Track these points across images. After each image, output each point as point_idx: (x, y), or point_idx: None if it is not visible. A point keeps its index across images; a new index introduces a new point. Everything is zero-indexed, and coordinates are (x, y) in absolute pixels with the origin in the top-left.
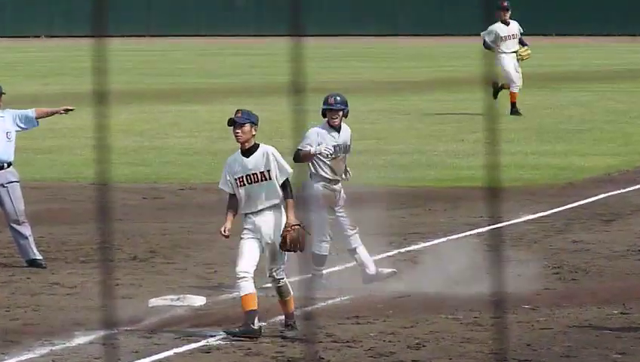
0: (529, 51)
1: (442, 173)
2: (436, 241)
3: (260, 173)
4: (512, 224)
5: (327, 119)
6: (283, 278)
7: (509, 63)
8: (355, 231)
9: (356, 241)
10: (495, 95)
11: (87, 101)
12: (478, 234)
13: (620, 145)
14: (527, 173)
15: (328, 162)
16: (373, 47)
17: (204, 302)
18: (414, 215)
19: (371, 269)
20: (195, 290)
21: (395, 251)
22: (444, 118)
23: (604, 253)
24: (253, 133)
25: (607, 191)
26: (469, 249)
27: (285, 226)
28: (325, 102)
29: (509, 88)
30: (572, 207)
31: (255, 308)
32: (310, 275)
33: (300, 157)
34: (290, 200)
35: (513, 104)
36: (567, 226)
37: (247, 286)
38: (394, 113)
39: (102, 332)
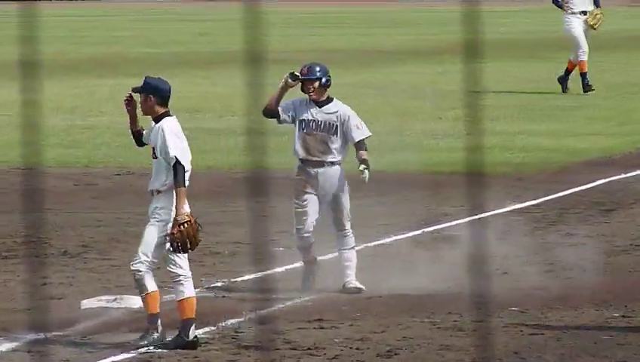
0: (600, 15)
1: (418, 155)
2: (411, 234)
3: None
4: (497, 214)
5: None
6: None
7: (578, 27)
8: (344, 231)
9: (342, 243)
10: (564, 81)
11: (11, 73)
12: (459, 225)
13: (620, 124)
14: (514, 156)
15: (299, 138)
16: (342, 13)
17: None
18: (385, 204)
19: (347, 278)
20: (134, 290)
21: (363, 245)
22: (421, 93)
23: (603, 247)
24: (150, 103)
25: (607, 177)
26: (448, 242)
27: (173, 222)
28: (301, 73)
29: (574, 65)
30: (566, 195)
31: (192, 316)
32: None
33: (265, 109)
34: (179, 189)
35: (584, 75)
36: (560, 217)
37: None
38: (364, 87)
39: (28, 338)
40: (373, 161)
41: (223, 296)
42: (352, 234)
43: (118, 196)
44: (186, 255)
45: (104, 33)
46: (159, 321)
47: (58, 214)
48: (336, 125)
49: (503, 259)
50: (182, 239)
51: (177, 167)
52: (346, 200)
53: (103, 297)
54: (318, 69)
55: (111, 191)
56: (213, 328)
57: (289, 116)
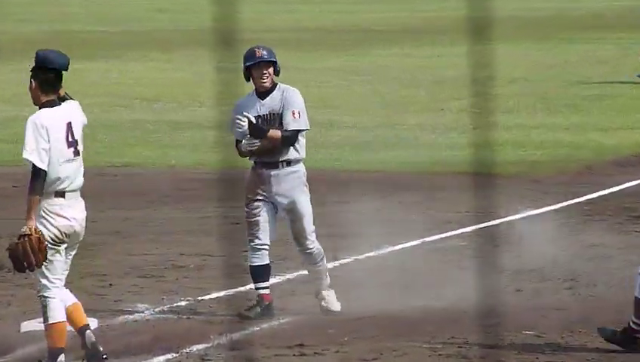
0: None
1: (415, 153)
2: (407, 244)
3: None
4: (508, 222)
5: (253, 82)
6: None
7: None
8: (305, 246)
9: (306, 259)
10: None
11: None
12: (463, 234)
13: None
14: (529, 154)
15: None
16: None
17: (96, 325)
18: (377, 209)
19: (326, 302)
20: (84, 310)
21: (351, 258)
22: (416, 80)
23: (632, 259)
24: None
25: (637, 178)
26: (450, 254)
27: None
28: (249, 57)
29: None
30: (589, 199)
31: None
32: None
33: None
34: (30, 196)
35: None
36: (583, 225)
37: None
38: (350, 73)
39: None
40: (362, 158)
41: (188, 317)
42: (316, 248)
43: None
44: (55, 269)
45: (49, 9)
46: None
47: None
48: (279, 113)
49: (515, 273)
50: (14, 256)
51: (33, 170)
52: (304, 207)
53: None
54: (268, 51)
55: None
56: (175, 355)
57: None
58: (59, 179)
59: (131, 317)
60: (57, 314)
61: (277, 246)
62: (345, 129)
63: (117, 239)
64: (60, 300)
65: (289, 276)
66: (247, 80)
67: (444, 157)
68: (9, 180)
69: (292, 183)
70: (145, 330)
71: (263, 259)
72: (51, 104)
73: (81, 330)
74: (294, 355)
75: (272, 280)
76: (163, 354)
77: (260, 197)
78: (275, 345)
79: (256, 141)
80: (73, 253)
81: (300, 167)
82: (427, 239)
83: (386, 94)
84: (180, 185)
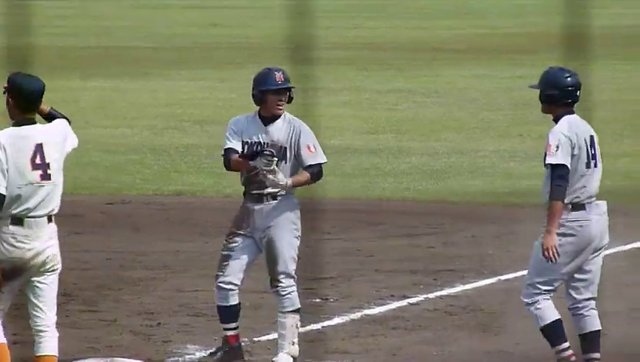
0: None
1: (492, 183)
2: (482, 283)
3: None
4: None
5: (261, 107)
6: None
7: None
8: (278, 286)
9: (278, 302)
10: None
11: None
12: None
13: None
14: (617, 183)
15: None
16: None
17: None
18: (450, 244)
19: (278, 351)
20: (130, 351)
21: (421, 297)
22: (494, 103)
23: None
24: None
25: None
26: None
27: None
28: (268, 81)
29: None
30: None
31: None
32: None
33: (228, 164)
34: None
35: None
36: None
37: None
38: (421, 95)
39: None
40: (433, 188)
41: (245, 360)
42: (289, 294)
43: (110, 231)
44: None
45: (91, 22)
46: None
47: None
48: (285, 148)
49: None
50: None
51: None
52: (285, 243)
53: (90, 360)
54: (286, 75)
55: (101, 225)
56: None
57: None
58: (16, 203)
59: (181, 359)
60: (50, 348)
61: (341, 283)
62: (415, 155)
63: (166, 274)
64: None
65: (352, 316)
66: (258, 104)
67: (523, 187)
68: None
69: (274, 217)
70: None
71: (227, 299)
72: (20, 123)
73: None
74: None
75: (336, 320)
76: None
77: (241, 232)
78: None
79: (274, 160)
80: (51, 278)
81: (288, 201)
82: (503, 277)
83: (461, 118)
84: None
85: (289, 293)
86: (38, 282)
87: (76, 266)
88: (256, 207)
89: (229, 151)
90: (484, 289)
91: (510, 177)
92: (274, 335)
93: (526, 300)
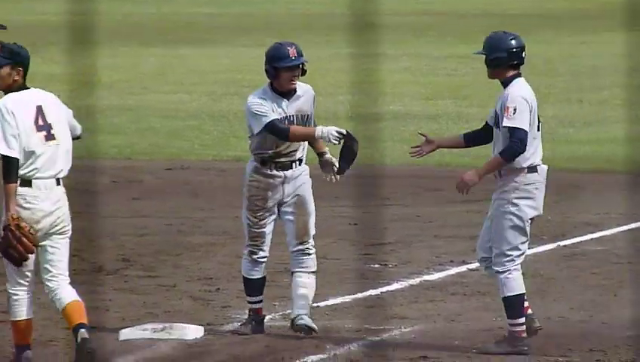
0: None
1: (550, 149)
2: (540, 249)
3: None
4: None
5: (273, 82)
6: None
7: None
8: (306, 245)
9: (300, 262)
10: None
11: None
12: (602, 238)
13: None
14: None
15: (266, 138)
16: None
17: (201, 334)
18: None
19: (298, 312)
20: (189, 317)
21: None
22: (554, 69)
23: None
24: (15, 77)
25: None
26: (589, 260)
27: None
28: (282, 58)
29: None
30: None
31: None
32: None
33: (288, 134)
34: (4, 186)
35: None
36: None
37: None
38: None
39: None
40: (490, 153)
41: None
42: (314, 253)
43: (169, 197)
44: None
45: None
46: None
47: (91, 219)
48: (309, 115)
49: None
50: (5, 252)
51: (4, 159)
52: (311, 204)
53: (149, 326)
54: (299, 50)
55: (159, 191)
56: None
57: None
58: (24, 164)
59: (240, 324)
60: (19, 312)
61: (400, 248)
62: (474, 121)
63: (225, 240)
64: (27, 298)
65: (411, 282)
66: (272, 78)
67: (582, 153)
68: (106, 175)
69: (302, 180)
70: (255, 340)
71: (261, 272)
72: (20, 88)
73: (75, 329)
74: None
75: (395, 286)
76: None
77: (271, 204)
78: (396, 357)
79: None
80: (61, 242)
81: (306, 165)
82: (563, 243)
83: None
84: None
85: (314, 253)
86: (49, 246)
87: (135, 232)
88: (287, 174)
89: (276, 122)
90: (543, 254)
91: (569, 143)
92: (333, 301)
93: (498, 269)
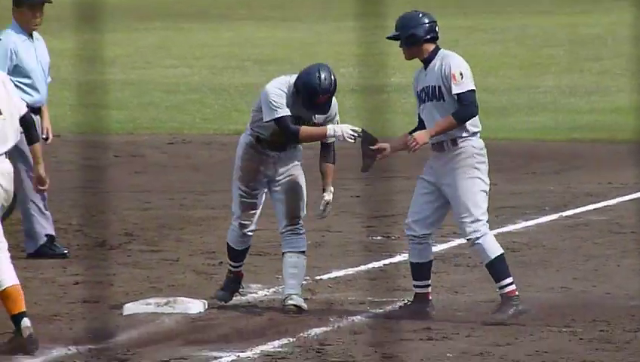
0: None
1: (553, 119)
2: (543, 219)
3: None
4: None
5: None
6: None
7: None
8: (297, 226)
9: (291, 242)
10: None
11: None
12: (604, 208)
13: None
14: None
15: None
16: None
17: (204, 308)
18: (510, 181)
19: (288, 291)
20: (192, 291)
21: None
22: (554, 39)
23: None
24: None
25: None
26: (592, 230)
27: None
28: (314, 93)
29: None
30: None
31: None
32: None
33: (307, 136)
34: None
35: None
36: None
37: None
38: (481, 32)
39: (54, 354)
40: (493, 125)
41: (305, 299)
42: (304, 233)
43: (171, 171)
44: None
45: None
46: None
47: (94, 194)
48: (332, 116)
49: None
50: None
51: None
52: (302, 184)
53: (152, 300)
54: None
55: (161, 166)
56: (292, 339)
57: None
58: None
59: (244, 298)
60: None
61: (403, 220)
62: None
63: (227, 213)
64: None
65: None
66: (303, 102)
67: (584, 122)
68: (109, 149)
69: (294, 161)
70: (258, 313)
71: (247, 243)
72: None
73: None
74: (421, 339)
75: (398, 258)
76: (279, 339)
77: (262, 177)
78: (399, 329)
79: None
80: None
81: (300, 145)
82: (565, 213)
83: (520, 55)
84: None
85: (304, 233)
86: None
87: (138, 206)
88: (281, 155)
89: (288, 118)
90: (545, 225)
91: (571, 113)
92: (336, 273)
93: (474, 236)
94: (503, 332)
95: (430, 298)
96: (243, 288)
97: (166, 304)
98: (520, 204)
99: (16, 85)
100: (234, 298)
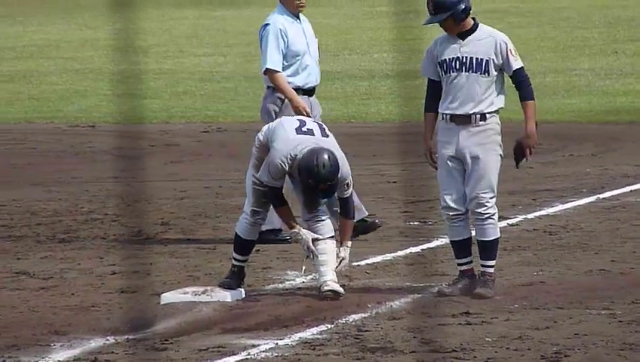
0: None
1: (588, 101)
2: (580, 202)
3: None
4: None
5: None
6: None
7: None
8: (315, 215)
9: (316, 232)
10: None
11: (66, 3)
12: None
13: None
14: None
15: None
16: None
17: (242, 296)
18: (547, 164)
19: (322, 278)
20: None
21: (520, 217)
22: (589, 21)
23: None
24: None
25: None
26: (627, 212)
27: None
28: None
29: None
30: None
31: None
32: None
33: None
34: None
35: None
36: None
37: None
38: (515, 15)
39: (92, 344)
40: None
41: (342, 285)
42: (327, 217)
43: (206, 160)
44: None
45: None
46: None
47: (129, 183)
48: None
49: None
50: None
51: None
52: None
53: (189, 289)
54: None
55: (196, 154)
56: (330, 326)
57: None
58: None
59: (281, 285)
60: None
61: (439, 205)
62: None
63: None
64: None
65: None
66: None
67: (619, 104)
68: (144, 139)
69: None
70: (296, 300)
71: (257, 234)
72: None
73: None
74: (460, 324)
75: (435, 243)
76: (316, 326)
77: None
78: (438, 314)
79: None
80: None
81: None
82: (602, 195)
83: (555, 37)
84: None
85: (327, 218)
86: None
87: (173, 195)
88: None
89: (277, 191)
90: (582, 208)
91: (606, 95)
92: (373, 259)
93: (491, 211)
94: (541, 315)
95: (475, 273)
96: (244, 285)
97: (204, 293)
98: (557, 187)
99: (286, 67)
100: (271, 285)
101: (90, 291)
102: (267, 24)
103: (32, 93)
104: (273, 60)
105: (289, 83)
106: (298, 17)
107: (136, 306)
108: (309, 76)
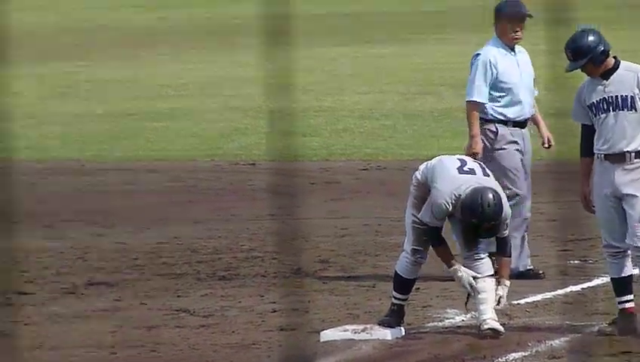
0: None
1: None
2: None
3: None
4: None
5: None
6: None
7: None
8: (472, 253)
9: (474, 270)
10: None
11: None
12: None
13: None
14: None
15: None
16: None
17: (401, 334)
18: None
19: (482, 316)
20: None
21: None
22: None
23: None
24: None
25: None
26: None
27: None
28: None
29: None
30: None
31: None
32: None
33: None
34: None
35: None
36: None
37: None
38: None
39: None
40: None
41: (503, 324)
42: (486, 256)
43: (366, 196)
44: None
45: None
46: None
47: (287, 221)
48: None
49: None
50: None
51: None
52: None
53: (349, 326)
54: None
55: (355, 191)
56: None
57: None
58: None
59: (441, 324)
60: None
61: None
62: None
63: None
64: None
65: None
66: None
67: None
68: (304, 177)
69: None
70: (456, 338)
71: (417, 273)
72: None
73: None
74: None
75: (596, 281)
76: None
77: None
78: (598, 353)
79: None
80: None
81: None
82: None
83: None
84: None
85: (486, 256)
86: None
87: (333, 233)
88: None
89: (438, 230)
90: None
91: None
92: (533, 298)
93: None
94: None
95: (634, 312)
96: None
97: (363, 330)
98: None
99: (494, 100)
100: (431, 323)
101: (250, 329)
102: (478, 54)
103: (193, 131)
104: (476, 91)
105: (500, 114)
106: (513, 49)
107: (295, 344)
108: (522, 109)
